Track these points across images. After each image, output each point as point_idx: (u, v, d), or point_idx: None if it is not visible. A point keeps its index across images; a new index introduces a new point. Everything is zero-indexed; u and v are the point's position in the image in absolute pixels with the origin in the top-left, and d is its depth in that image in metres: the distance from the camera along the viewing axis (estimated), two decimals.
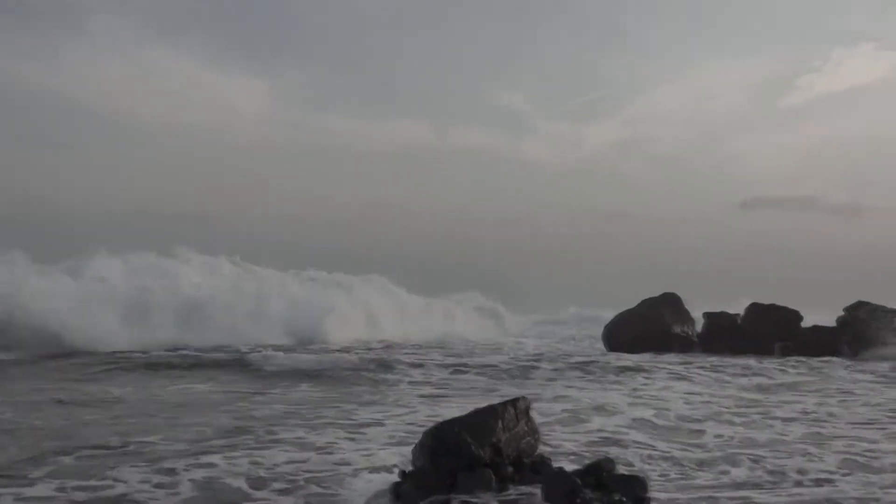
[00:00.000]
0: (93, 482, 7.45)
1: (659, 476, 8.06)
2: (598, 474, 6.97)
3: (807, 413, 12.03)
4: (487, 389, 14.65)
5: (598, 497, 6.63)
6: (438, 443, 7.12)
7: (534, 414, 7.91)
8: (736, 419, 11.36)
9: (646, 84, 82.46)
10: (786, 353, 23.48)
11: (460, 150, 75.25)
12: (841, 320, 25.47)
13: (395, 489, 7.25)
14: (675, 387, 15.10)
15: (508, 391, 13.67)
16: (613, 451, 8.99)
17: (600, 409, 12.04)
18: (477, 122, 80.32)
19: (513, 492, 6.98)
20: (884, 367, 19.33)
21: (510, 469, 7.25)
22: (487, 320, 36.90)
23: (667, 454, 9.02)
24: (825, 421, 11.32)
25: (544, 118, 79.13)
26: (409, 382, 15.61)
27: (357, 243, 62.27)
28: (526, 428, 7.56)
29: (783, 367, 19.30)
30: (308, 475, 7.92)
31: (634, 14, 79.90)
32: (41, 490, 7.20)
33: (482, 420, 7.22)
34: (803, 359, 21.67)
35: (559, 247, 69.27)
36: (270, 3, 71.98)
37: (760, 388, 15.28)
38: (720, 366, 19.17)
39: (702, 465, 8.56)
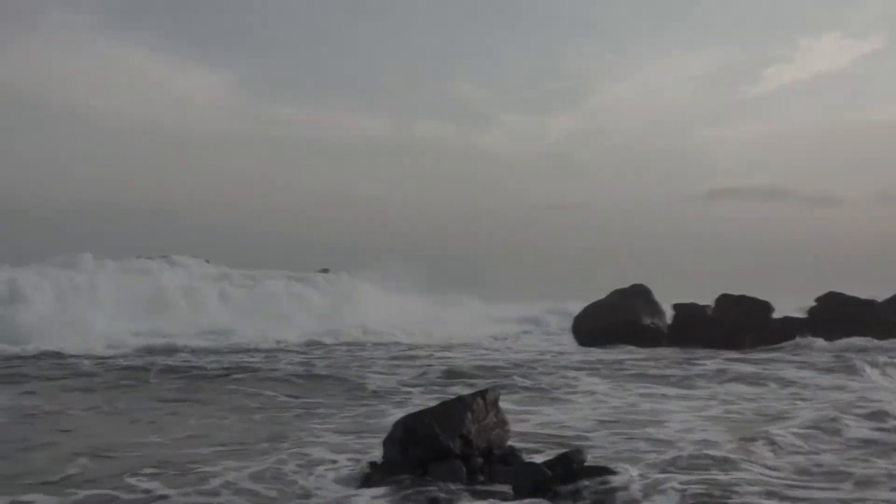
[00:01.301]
0: None
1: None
2: (568, 465, 7.00)
3: None
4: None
5: (568, 487, 6.67)
6: (408, 434, 7.13)
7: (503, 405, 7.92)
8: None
9: (607, 75, 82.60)
10: (755, 344, 23.68)
11: (420, 141, 75.06)
12: (812, 311, 25.70)
13: (366, 480, 7.23)
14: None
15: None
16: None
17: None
18: (437, 113, 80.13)
19: (483, 482, 6.99)
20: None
21: (480, 460, 7.27)
22: (459, 315, 36.58)
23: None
24: None
25: (504, 110, 79.10)
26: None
27: (315, 235, 61.98)
28: (495, 419, 7.58)
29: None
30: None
31: (596, 4, 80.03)
32: None
33: (452, 411, 7.23)
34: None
35: (521, 239, 69.36)
36: None
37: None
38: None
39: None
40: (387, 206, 70.98)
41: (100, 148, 67.19)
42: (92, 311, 24.76)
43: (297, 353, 21.01)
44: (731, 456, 7.99)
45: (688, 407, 11.83)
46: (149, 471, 7.68)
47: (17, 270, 25.82)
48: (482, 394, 7.51)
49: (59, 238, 49.74)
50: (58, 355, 18.77)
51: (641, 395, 13.27)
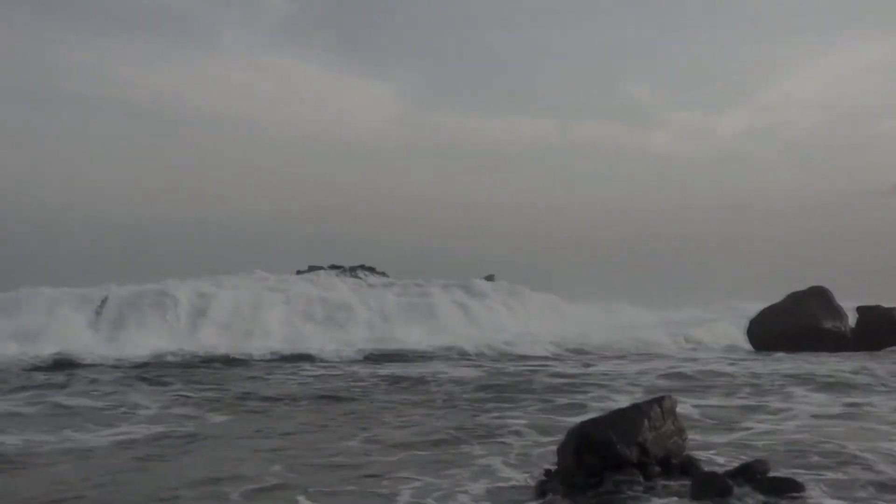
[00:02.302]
0: None
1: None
2: (751, 475, 6.77)
3: None
4: None
5: (749, 499, 6.44)
6: (584, 441, 7.07)
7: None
8: None
9: (779, 68, 78.85)
10: None
11: (584, 143, 74.15)
12: None
13: (541, 487, 7.25)
14: None
15: None
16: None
17: None
18: (601, 115, 78.82)
19: (661, 492, 6.85)
20: None
21: (657, 469, 7.13)
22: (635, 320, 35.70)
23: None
24: None
25: (671, 109, 76.84)
26: None
27: (482, 243, 62.39)
28: (673, 427, 7.40)
29: None
30: None
31: None
32: None
33: (628, 418, 7.13)
34: None
35: (690, 240, 67.00)
36: (388, 6, 73.42)
37: None
38: None
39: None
40: (550, 211, 70.62)
41: (271, 160, 70.73)
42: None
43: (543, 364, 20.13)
44: None
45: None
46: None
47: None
48: (659, 401, 7.36)
49: (229, 248, 52.62)
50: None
51: (844, 404, 12.45)
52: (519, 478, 7.82)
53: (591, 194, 72.48)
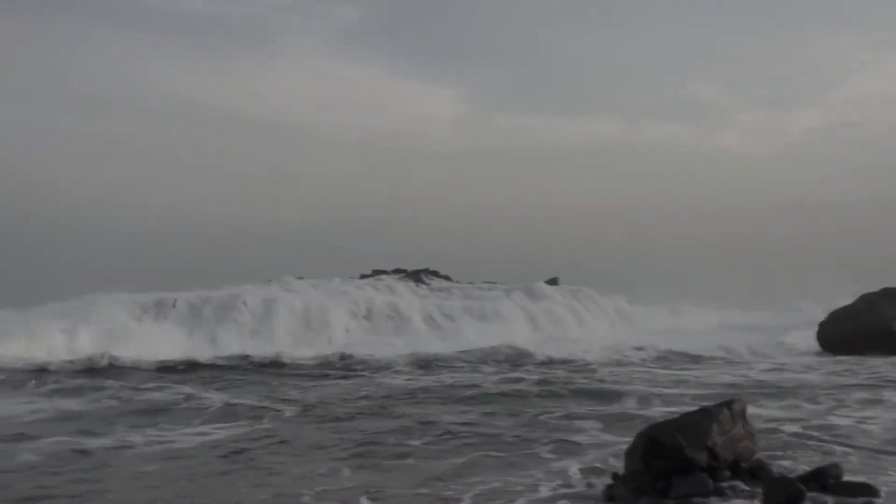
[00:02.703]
0: None
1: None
2: (823, 480, 6.70)
3: None
4: None
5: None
6: (652, 445, 7.08)
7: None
8: None
9: (852, 65, 76.57)
10: None
11: (651, 144, 73.15)
12: None
13: (609, 491, 7.27)
14: None
15: None
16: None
17: None
18: (668, 115, 77.68)
19: (730, 497, 6.82)
20: None
21: (727, 473, 7.09)
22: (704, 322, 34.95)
23: None
24: None
25: (740, 107, 75.32)
26: None
27: (546, 245, 62.01)
28: (743, 431, 7.35)
29: None
30: None
31: None
32: None
33: (696, 422, 7.10)
34: None
35: (761, 240, 65.48)
36: (447, 9, 73.53)
37: None
38: None
39: None
40: (614, 212, 69.94)
41: (334, 166, 71.44)
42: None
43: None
44: None
45: None
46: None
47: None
48: (728, 404, 7.32)
49: (294, 253, 53.37)
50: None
51: None
52: (586, 482, 7.86)
53: (655, 195, 71.50)
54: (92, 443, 10.26)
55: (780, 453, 8.72)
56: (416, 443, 10.04)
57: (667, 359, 21.44)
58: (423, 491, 7.72)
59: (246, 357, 20.83)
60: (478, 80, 75.10)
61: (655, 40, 75.12)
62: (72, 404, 13.72)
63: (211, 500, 7.67)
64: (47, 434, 10.78)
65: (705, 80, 74.40)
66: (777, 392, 14.36)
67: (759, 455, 7.63)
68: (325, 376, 18.30)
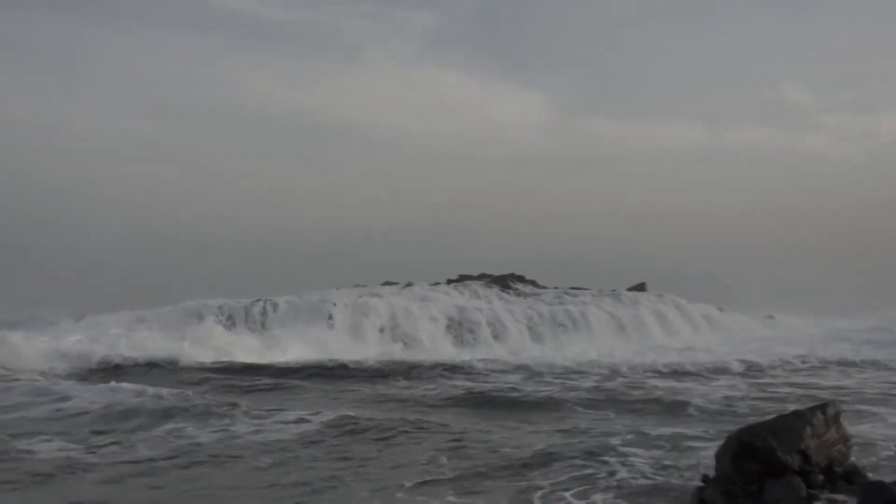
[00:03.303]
0: None
1: None
2: None
3: None
4: None
5: None
6: (743, 448, 7.05)
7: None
8: None
9: None
10: None
11: (735, 148, 71.43)
12: None
13: (699, 494, 7.26)
14: None
15: None
16: None
17: None
18: (753, 118, 75.69)
19: (823, 501, 6.75)
20: None
21: (820, 477, 7.01)
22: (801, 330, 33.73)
23: None
24: None
25: (828, 110, 72.91)
26: None
27: (632, 250, 61.14)
28: (836, 435, 7.26)
29: None
30: None
31: None
32: None
33: (789, 425, 7.04)
34: None
35: (849, 245, 63.14)
36: (531, 14, 73.36)
37: None
38: None
39: None
40: (702, 217, 68.56)
41: (419, 172, 72.05)
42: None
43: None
44: None
45: None
46: None
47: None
48: (822, 408, 7.24)
49: (380, 258, 54.07)
50: None
51: None
52: (677, 483, 7.87)
53: (741, 200, 69.88)
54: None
55: (876, 462, 8.55)
56: (505, 445, 10.16)
57: (829, 367, 19.74)
58: (502, 484, 7.84)
59: (335, 360, 21.06)
60: (562, 85, 74.92)
61: (740, 42, 73.59)
62: None
63: None
64: None
65: (792, 81, 72.44)
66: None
67: (856, 460, 7.52)
68: (418, 379, 18.36)
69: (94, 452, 9.88)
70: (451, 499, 7.65)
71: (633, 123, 73.87)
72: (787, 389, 15.66)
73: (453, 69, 74.36)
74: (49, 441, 10.50)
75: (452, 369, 19.60)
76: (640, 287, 35.56)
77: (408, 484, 8.13)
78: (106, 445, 10.31)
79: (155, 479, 8.68)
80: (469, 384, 16.97)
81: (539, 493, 7.75)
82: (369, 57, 72.04)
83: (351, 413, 12.42)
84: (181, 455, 9.78)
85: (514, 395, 15.12)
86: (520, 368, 19.72)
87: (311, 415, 12.14)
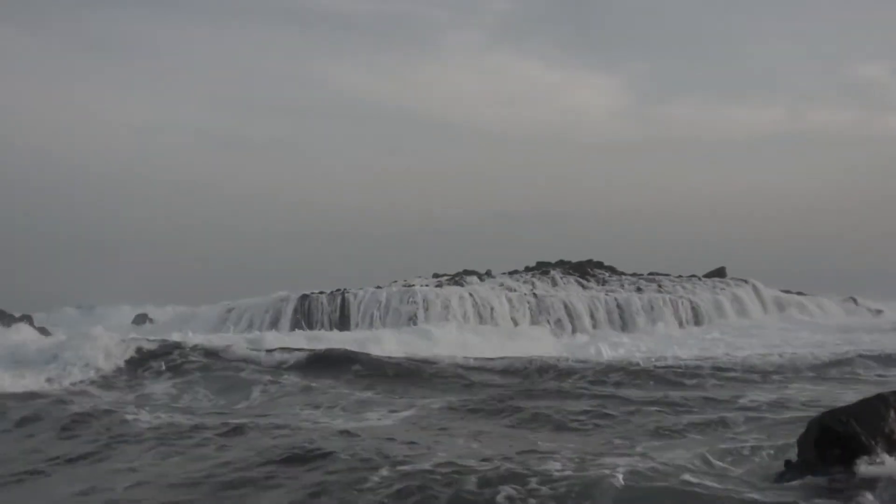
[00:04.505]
0: None
1: None
2: None
3: None
4: None
5: None
6: (825, 432, 7.01)
7: None
8: None
9: None
10: None
11: (816, 130, 69.24)
12: None
13: (780, 478, 7.25)
14: None
15: None
16: None
17: None
18: (834, 100, 73.28)
19: None
20: None
21: None
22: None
23: None
24: None
25: None
26: None
27: (713, 235, 60.05)
28: None
29: None
30: None
31: None
32: None
33: (872, 409, 6.97)
34: None
35: None
36: None
37: None
38: None
39: None
40: (781, 201, 66.91)
41: (497, 160, 72.02)
42: None
43: None
44: None
45: None
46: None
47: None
48: None
49: (459, 248, 54.32)
50: None
51: None
52: (761, 468, 7.86)
53: (821, 183, 67.84)
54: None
55: None
56: (590, 436, 10.24)
57: None
58: (569, 473, 7.88)
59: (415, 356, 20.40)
60: (638, 70, 74.11)
61: (817, 21, 71.28)
62: None
63: None
64: None
65: (872, 61, 69.88)
66: None
67: None
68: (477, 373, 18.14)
69: None
70: None
71: (710, 107, 72.62)
72: None
73: (528, 55, 74.73)
74: None
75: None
76: (720, 272, 35.02)
77: None
78: None
79: None
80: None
81: None
82: (443, 45, 72.21)
83: None
84: None
85: None
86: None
87: None
